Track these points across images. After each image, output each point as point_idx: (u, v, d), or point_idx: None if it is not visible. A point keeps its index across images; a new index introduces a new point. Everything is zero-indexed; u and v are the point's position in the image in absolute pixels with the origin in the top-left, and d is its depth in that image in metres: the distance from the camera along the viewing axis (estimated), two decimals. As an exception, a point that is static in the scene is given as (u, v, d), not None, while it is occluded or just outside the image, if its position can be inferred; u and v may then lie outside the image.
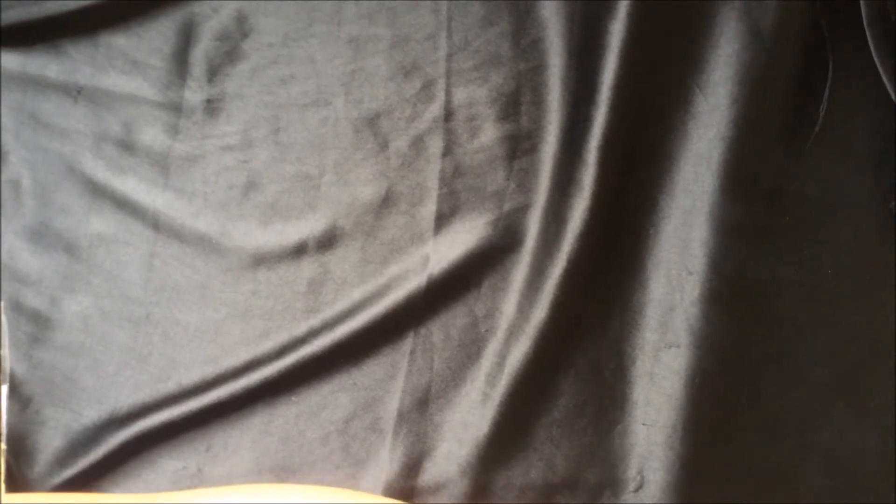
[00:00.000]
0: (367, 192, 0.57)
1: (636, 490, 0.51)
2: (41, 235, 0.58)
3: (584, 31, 0.55)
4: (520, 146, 0.56)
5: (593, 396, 0.52)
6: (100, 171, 0.59)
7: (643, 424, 0.51)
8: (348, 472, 0.52)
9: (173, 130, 0.59)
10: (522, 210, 0.55)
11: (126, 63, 0.60)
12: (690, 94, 0.54)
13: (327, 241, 0.56)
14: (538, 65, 0.57)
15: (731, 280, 0.52)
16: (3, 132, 0.60)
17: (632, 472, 0.51)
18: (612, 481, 0.51)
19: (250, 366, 0.54)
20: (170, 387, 0.54)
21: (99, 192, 0.58)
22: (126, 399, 0.54)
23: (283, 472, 0.53)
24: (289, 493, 0.48)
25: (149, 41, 0.60)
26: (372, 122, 0.58)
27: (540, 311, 0.52)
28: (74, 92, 0.60)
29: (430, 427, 0.53)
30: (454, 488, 0.51)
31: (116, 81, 0.60)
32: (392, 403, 0.53)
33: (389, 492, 0.51)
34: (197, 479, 0.53)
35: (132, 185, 0.58)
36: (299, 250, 0.56)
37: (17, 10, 0.60)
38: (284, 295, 0.56)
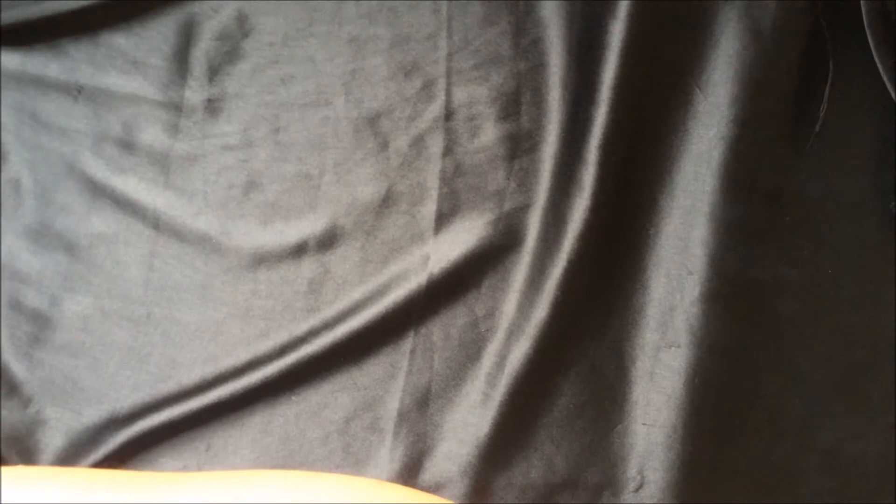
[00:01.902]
0: (368, 191, 0.57)
1: (636, 490, 0.51)
2: (41, 235, 0.58)
3: (585, 31, 0.55)
4: (520, 146, 0.56)
5: (593, 396, 0.52)
6: (100, 171, 0.59)
7: (643, 424, 0.51)
8: (348, 472, 0.52)
9: (174, 130, 0.59)
10: (523, 210, 0.55)
11: (126, 62, 0.60)
12: (691, 93, 0.54)
13: (327, 241, 0.56)
14: (538, 64, 0.57)
15: (732, 280, 0.52)
16: (3, 132, 0.60)
17: (632, 472, 0.51)
18: (612, 481, 0.51)
19: (250, 365, 0.54)
20: (170, 386, 0.54)
21: (99, 192, 0.59)
22: (126, 399, 0.54)
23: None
24: (301, 481, 0.48)
25: (149, 41, 0.60)
26: (372, 121, 0.58)
27: (540, 311, 0.52)
28: (75, 91, 0.60)
29: (430, 427, 0.53)
30: (454, 488, 0.51)
31: (117, 81, 0.60)
32: (392, 403, 0.53)
33: (389, 491, 0.51)
34: (197, 479, 0.53)
35: (132, 185, 0.58)
36: (299, 250, 0.56)
37: (17, 10, 0.60)
38: (285, 294, 0.56)
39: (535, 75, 0.57)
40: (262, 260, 0.56)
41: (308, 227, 0.56)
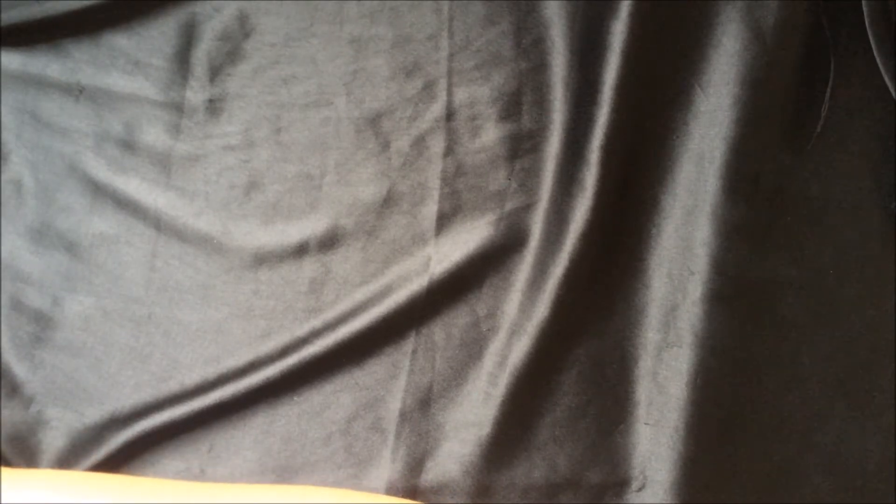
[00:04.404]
0: (369, 191, 0.57)
1: (639, 490, 0.51)
2: (43, 235, 0.58)
3: (586, 31, 0.55)
4: (521, 146, 0.56)
5: (596, 396, 0.52)
6: (101, 171, 0.59)
7: (646, 424, 0.52)
8: (351, 472, 0.52)
9: (175, 130, 0.59)
10: (524, 209, 0.55)
11: (128, 63, 0.60)
12: (692, 93, 0.54)
13: (329, 241, 0.56)
14: (540, 64, 0.57)
15: (733, 280, 0.52)
16: (4, 132, 0.60)
17: (634, 472, 0.51)
18: (614, 481, 0.51)
19: (252, 366, 0.54)
20: (171, 387, 0.54)
21: (100, 192, 0.58)
22: (128, 399, 0.54)
23: (286, 472, 0.53)
24: (291, 495, 0.48)
25: (150, 41, 0.60)
26: (373, 121, 0.58)
27: (542, 311, 0.52)
28: (76, 92, 0.60)
29: (432, 426, 0.53)
30: (457, 488, 0.51)
31: (118, 81, 0.60)
32: (394, 403, 0.53)
33: (392, 491, 0.51)
34: (199, 480, 0.53)
35: (134, 185, 0.58)
36: (301, 250, 0.56)
37: (18, 10, 0.60)
38: (286, 295, 0.56)
39: (536, 75, 0.57)
40: (264, 260, 0.56)
41: (309, 227, 0.56)
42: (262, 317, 0.55)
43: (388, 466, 0.52)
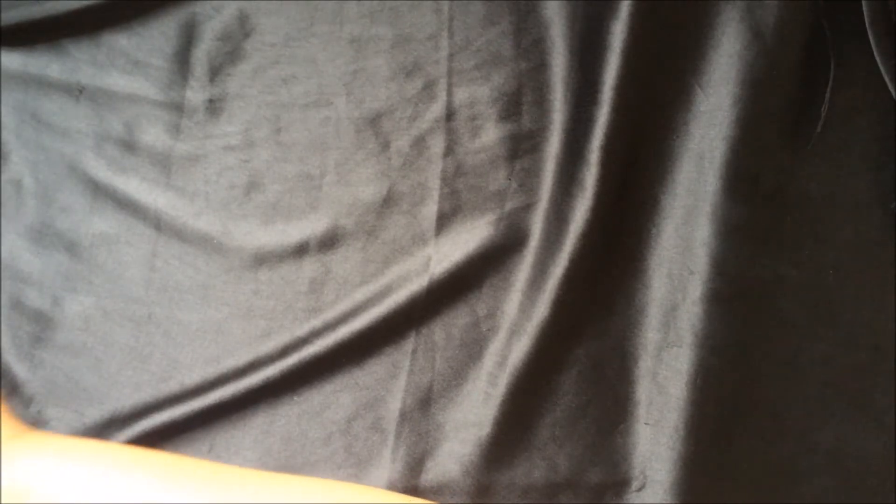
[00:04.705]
0: (369, 191, 0.57)
1: (639, 490, 0.51)
2: (43, 235, 0.58)
3: (586, 31, 0.55)
4: (521, 146, 0.57)
5: (595, 396, 0.52)
6: (101, 171, 0.59)
7: (646, 424, 0.52)
8: (351, 472, 0.52)
9: (175, 130, 0.59)
10: (524, 209, 0.55)
11: (128, 63, 0.60)
12: (692, 93, 0.54)
13: (329, 241, 0.56)
14: (540, 64, 0.57)
15: (733, 280, 0.52)
16: (4, 132, 0.60)
17: (634, 472, 0.51)
18: (614, 481, 0.51)
19: (252, 366, 0.54)
20: (171, 387, 0.54)
21: (100, 192, 0.59)
22: (128, 399, 0.54)
23: (286, 472, 0.53)
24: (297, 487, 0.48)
25: (150, 41, 0.60)
26: (373, 121, 0.58)
27: (542, 310, 0.52)
28: (76, 92, 0.60)
29: (432, 426, 0.53)
30: (457, 488, 0.51)
31: (118, 81, 0.60)
32: (394, 403, 0.53)
33: (392, 491, 0.51)
34: (199, 479, 0.53)
35: (134, 185, 0.58)
36: (301, 250, 0.56)
37: (17, 10, 0.60)
38: (286, 295, 0.56)
39: (536, 75, 0.57)
40: (264, 260, 0.56)
41: (309, 227, 0.56)
42: (262, 317, 0.55)
43: (388, 466, 0.52)
